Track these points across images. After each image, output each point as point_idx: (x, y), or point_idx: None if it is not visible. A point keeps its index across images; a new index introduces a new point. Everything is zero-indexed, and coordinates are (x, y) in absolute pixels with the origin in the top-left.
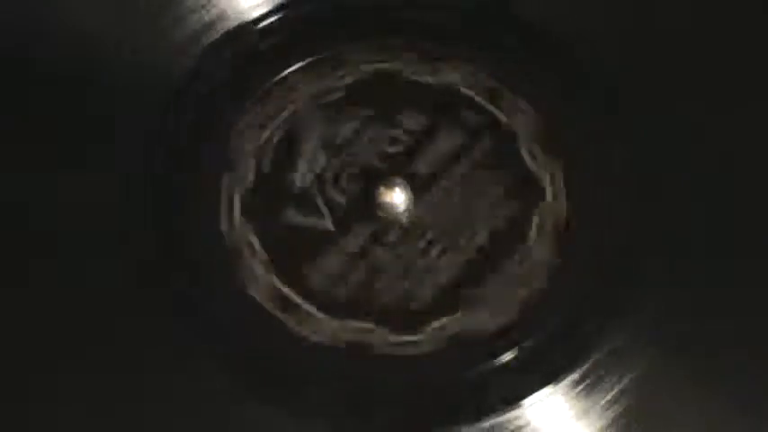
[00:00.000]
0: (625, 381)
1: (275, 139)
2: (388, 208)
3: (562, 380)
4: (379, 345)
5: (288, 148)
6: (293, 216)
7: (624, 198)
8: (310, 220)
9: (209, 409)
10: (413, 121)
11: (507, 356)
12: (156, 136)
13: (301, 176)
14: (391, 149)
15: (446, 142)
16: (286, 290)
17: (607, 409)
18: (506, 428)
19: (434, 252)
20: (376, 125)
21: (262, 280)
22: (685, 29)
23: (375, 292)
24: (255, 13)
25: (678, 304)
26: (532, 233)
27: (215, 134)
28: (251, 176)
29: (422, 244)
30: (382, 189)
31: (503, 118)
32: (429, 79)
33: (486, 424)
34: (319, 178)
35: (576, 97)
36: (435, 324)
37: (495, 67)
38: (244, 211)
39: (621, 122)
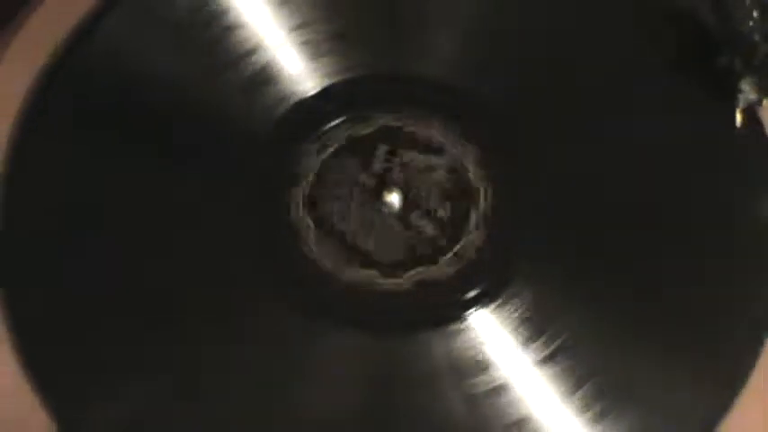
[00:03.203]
0: (525, 302)
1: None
2: (390, 205)
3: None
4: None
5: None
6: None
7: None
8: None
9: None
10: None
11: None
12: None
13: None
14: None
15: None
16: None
17: (517, 319)
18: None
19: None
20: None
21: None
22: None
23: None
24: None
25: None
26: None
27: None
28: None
29: (422, 223)
30: (386, 193)
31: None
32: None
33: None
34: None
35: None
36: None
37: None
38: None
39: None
